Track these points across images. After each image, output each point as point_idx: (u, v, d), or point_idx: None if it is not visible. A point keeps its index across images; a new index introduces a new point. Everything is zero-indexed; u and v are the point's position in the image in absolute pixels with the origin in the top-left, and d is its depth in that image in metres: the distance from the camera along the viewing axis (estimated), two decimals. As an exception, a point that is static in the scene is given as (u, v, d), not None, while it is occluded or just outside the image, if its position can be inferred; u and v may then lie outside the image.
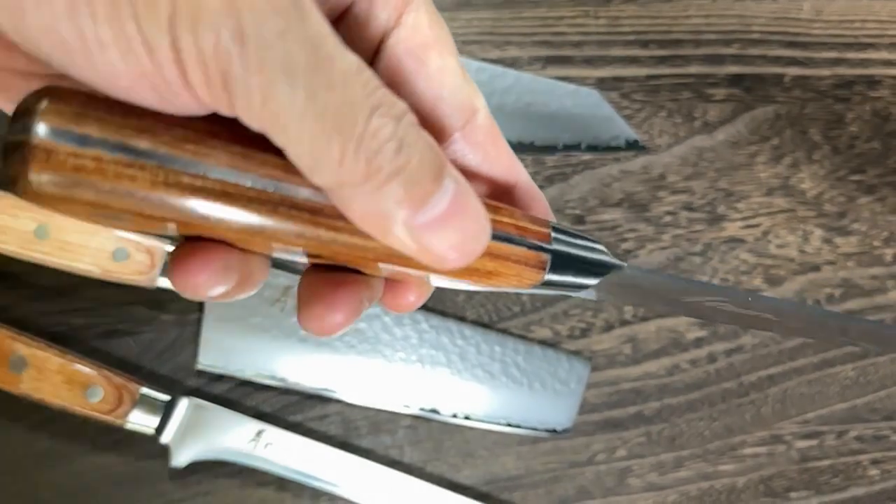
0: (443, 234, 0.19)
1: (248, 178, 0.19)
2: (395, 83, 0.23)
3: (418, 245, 0.19)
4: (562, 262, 0.23)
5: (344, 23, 0.22)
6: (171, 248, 0.48)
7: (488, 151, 0.25)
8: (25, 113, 0.17)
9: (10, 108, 0.20)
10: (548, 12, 0.54)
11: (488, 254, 0.22)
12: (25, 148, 0.17)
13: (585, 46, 0.54)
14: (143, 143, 0.18)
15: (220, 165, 0.19)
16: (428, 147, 0.19)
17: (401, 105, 0.19)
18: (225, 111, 0.18)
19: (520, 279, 0.23)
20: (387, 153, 0.18)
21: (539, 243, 0.23)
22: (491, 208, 0.22)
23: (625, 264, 0.25)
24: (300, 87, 0.17)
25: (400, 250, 0.20)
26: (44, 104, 0.17)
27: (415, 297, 0.24)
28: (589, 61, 0.54)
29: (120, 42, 0.16)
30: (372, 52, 0.23)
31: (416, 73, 0.23)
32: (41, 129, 0.17)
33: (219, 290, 0.20)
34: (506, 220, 0.23)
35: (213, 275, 0.20)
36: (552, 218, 0.26)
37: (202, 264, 0.20)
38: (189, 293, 0.20)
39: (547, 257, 0.23)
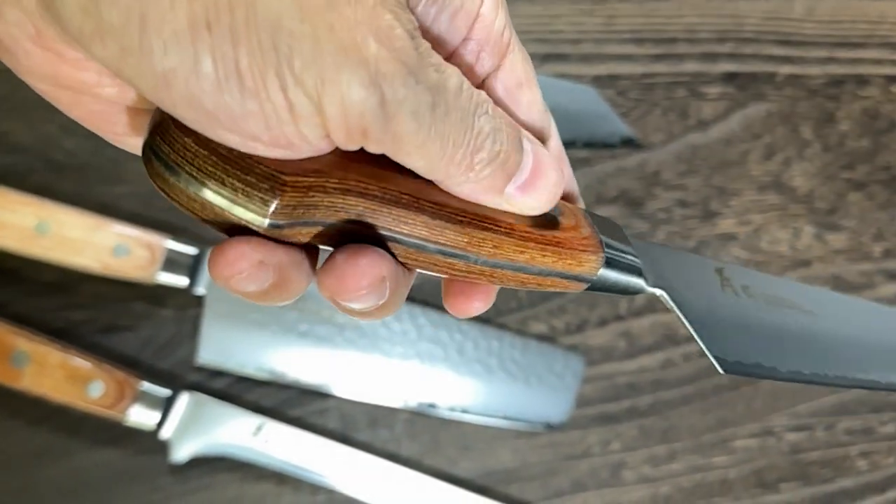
0: (532, 193, 0.23)
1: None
2: None
3: (516, 203, 0.23)
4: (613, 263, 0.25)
5: (451, 60, 0.24)
6: (171, 243, 0.48)
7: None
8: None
9: (120, 140, 0.23)
10: (545, 10, 0.55)
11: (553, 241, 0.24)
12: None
13: (582, 44, 0.55)
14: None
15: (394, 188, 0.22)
16: (508, 124, 0.22)
17: (482, 95, 0.21)
18: (353, 149, 0.20)
19: (581, 263, 0.25)
20: (487, 146, 0.21)
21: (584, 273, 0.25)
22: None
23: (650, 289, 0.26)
24: (425, 124, 0.20)
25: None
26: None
27: (480, 303, 0.26)
28: (585, 59, 0.55)
29: (266, 111, 0.18)
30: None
31: (511, 108, 0.25)
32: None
33: (251, 286, 0.21)
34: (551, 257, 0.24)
35: (250, 269, 0.21)
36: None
37: (240, 257, 0.21)
38: (222, 283, 0.21)
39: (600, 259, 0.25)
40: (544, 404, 0.52)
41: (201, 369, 0.50)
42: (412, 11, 0.21)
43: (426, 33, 0.22)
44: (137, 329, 0.50)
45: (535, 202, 0.23)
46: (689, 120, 0.55)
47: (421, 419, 0.52)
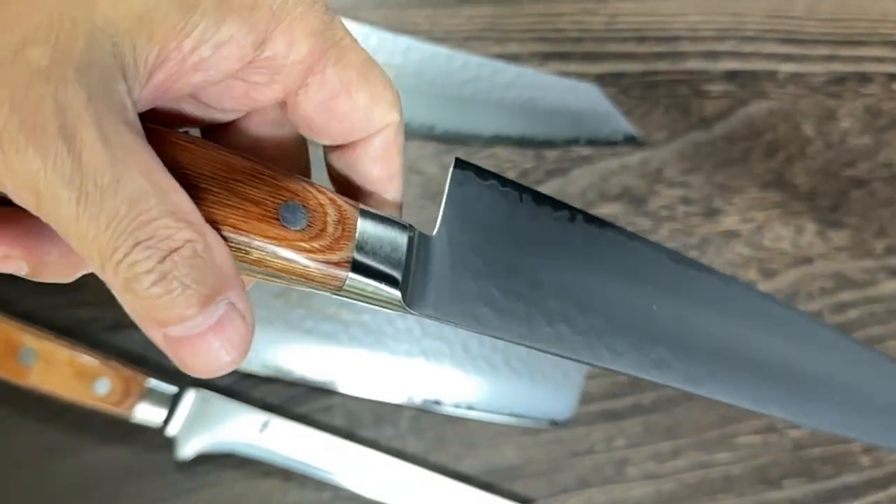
0: (190, 351, 0.21)
1: None
2: (310, 130, 0.25)
3: (165, 347, 0.21)
4: (364, 271, 0.24)
5: (256, 71, 0.23)
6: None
7: (376, 165, 0.26)
8: None
9: None
10: (547, 9, 0.55)
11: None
12: None
13: (584, 43, 0.55)
14: None
15: None
16: (202, 276, 0.20)
17: (182, 236, 0.20)
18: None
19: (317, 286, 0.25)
20: (143, 282, 0.19)
21: (328, 288, 0.24)
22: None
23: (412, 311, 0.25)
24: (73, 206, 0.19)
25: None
26: None
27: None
28: (588, 57, 0.55)
29: None
30: (284, 107, 0.25)
31: (326, 120, 0.24)
32: None
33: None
34: (297, 276, 0.24)
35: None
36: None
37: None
38: None
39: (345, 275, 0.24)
40: (549, 401, 0.53)
41: (207, 366, 0.50)
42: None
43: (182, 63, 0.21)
44: (144, 326, 0.50)
45: (193, 360, 0.21)
46: (692, 118, 0.56)
47: (426, 416, 0.52)
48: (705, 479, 0.55)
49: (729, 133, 0.56)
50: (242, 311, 0.21)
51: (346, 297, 0.25)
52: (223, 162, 0.23)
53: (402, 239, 0.25)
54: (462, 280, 0.26)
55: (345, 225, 0.24)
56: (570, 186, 0.54)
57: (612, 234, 0.29)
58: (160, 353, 0.51)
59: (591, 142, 0.54)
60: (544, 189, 0.54)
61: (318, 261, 0.24)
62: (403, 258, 0.25)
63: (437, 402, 0.52)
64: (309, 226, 0.24)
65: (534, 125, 0.54)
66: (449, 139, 0.53)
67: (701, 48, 0.56)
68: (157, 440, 0.48)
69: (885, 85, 0.58)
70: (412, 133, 0.53)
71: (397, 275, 0.24)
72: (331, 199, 0.24)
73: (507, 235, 0.27)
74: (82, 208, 0.19)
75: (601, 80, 0.55)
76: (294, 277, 0.24)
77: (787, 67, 0.57)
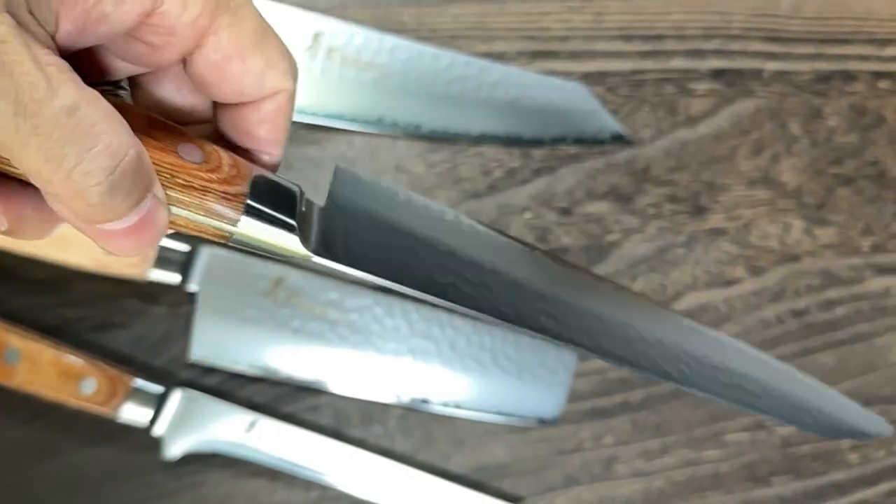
0: (121, 240, 0.23)
1: None
2: (203, 88, 0.26)
3: (97, 239, 0.23)
4: (246, 238, 0.26)
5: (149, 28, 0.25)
6: (163, 240, 0.48)
7: (263, 127, 0.27)
8: None
9: None
10: (533, 7, 0.55)
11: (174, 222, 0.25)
12: None
13: (571, 41, 0.55)
14: None
15: None
16: (139, 180, 0.22)
17: (124, 143, 0.22)
18: None
19: (206, 235, 0.26)
20: (94, 192, 0.21)
21: (221, 226, 0.25)
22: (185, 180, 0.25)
23: (311, 255, 0.26)
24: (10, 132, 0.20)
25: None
26: None
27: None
28: (574, 56, 0.55)
29: None
30: (180, 63, 0.26)
31: (219, 80, 0.26)
32: None
33: None
34: (192, 200, 0.25)
35: None
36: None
37: None
38: None
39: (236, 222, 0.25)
40: (537, 399, 0.53)
41: (194, 366, 0.50)
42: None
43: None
44: (130, 326, 0.50)
45: (122, 246, 0.24)
46: (678, 116, 0.56)
47: (414, 415, 0.52)
48: (694, 477, 0.55)
49: (715, 131, 0.56)
50: (162, 198, 0.24)
51: (242, 242, 0.26)
52: (122, 105, 0.24)
53: (294, 190, 0.26)
54: (360, 233, 0.28)
55: (239, 168, 0.26)
56: (557, 185, 0.54)
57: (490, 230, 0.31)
58: (147, 352, 0.51)
59: (578, 140, 0.54)
60: (532, 188, 0.55)
61: (215, 191, 0.25)
62: (296, 207, 0.26)
63: (425, 401, 0.52)
64: (205, 162, 0.25)
65: (521, 124, 0.54)
66: (435, 138, 0.53)
67: (687, 46, 0.56)
68: (143, 440, 0.48)
69: (870, 83, 0.58)
70: (399, 132, 0.53)
71: (292, 221, 0.26)
72: (225, 150, 0.26)
73: (391, 209, 0.29)
74: (22, 119, 0.20)
75: (588, 78, 0.55)
76: (190, 210, 0.25)
77: (772, 66, 0.57)
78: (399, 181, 0.53)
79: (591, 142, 0.55)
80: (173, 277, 0.48)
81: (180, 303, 0.50)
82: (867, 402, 0.57)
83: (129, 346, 0.50)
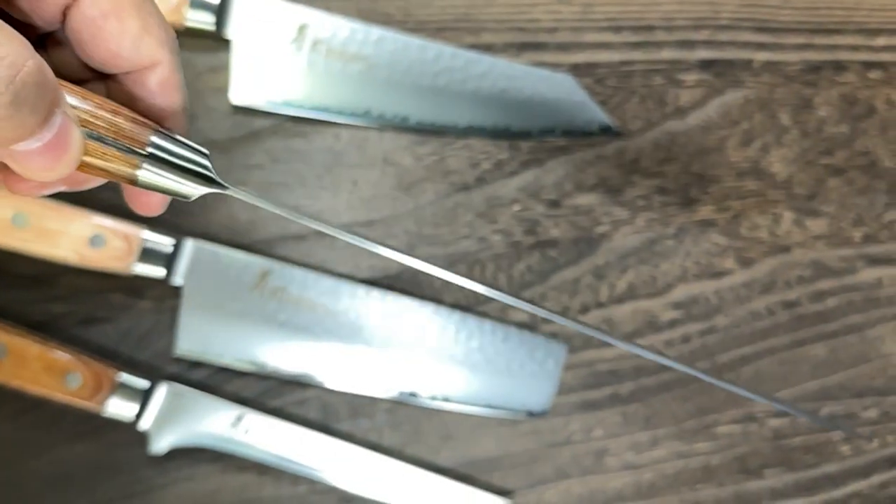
0: (38, 160, 0.24)
1: None
2: (81, 48, 0.27)
3: (15, 162, 0.24)
4: (159, 166, 0.27)
5: None
6: (147, 234, 0.48)
7: (156, 100, 0.28)
8: None
9: None
10: (521, -1, 0.55)
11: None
12: None
13: (559, 32, 0.55)
14: None
15: None
16: (44, 93, 0.23)
17: (23, 54, 0.22)
18: None
19: (111, 175, 0.26)
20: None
21: (133, 147, 0.26)
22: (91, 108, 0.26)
23: (227, 186, 0.28)
24: None
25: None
26: None
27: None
28: (563, 47, 0.55)
29: None
30: (59, 18, 0.27)
31: (95, 37, 0.27)
32: None
33: None
34: (103, 123, 0.26)
35: None
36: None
37: None
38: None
39: (139, 161, 0.26)
40: (526, 392, 0.52)
41: (180, 360, 0.50)
42: None
43: None
44: (116, 321, 0.50)
45: (40, 167, 0.24)
46: (667, 107, 0.56)
47: (402, 408, 0.52)
48: (685, 469, 0.54)
49: (705, 122, 0.56)
50: (72, 116, 0.24)
51: (152, 171, 0.26)
52: None
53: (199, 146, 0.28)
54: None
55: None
56: (546, 177, 0.54)
57: None
58: (133, 347, 0.51)
59: (567, 132, 0.54)
60: (520, 180, 0.54)
61: (126, 114, 0.26)
62: (206, 151, 0.27)
63: (414, 395, 0.51)
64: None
65: (509, 116, 0.53)
66: (423, 130, 0.53)
67: (676, 37, 0.56)
68: (130, 436, 0.48)
69: (860, 73, 0.58)
70: (386, 124, 0.52)
71: (204, 150, 0.27)
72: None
73: None
74: None
75: (576, 70, 0.55)
76: (101, 131, 0.25)
77: (762, 56, 0.57)
78: (387, 174, 0.53)
79: (580, 133, 0.54)
80: (158, 271, 0.48)
81: (166, 297, 0.50)
82: (859, 393, 0.57)
83: (114, 341, 0.50)
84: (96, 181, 0.29)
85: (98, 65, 0.28)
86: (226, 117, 0.52)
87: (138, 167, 0.26)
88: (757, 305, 0.56)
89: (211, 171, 0.27)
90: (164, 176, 0.27)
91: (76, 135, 0.24)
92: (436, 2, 0.54)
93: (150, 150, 0.26)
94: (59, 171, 0.24)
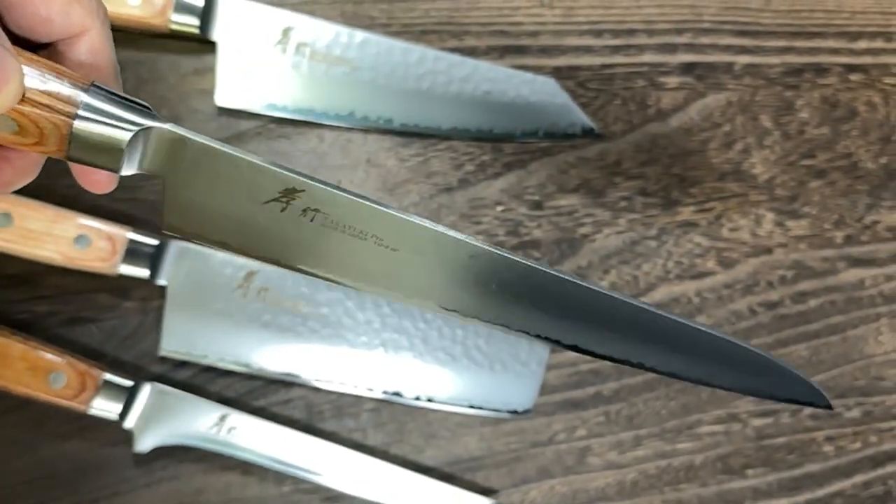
0: None
1: None
2: (11, 13, 0.27)
3: None
4: (95, 114, 0.26)
5: None
6: (132, 235, 0.48)
7: (89, 67, 0.28)
8: None
9: None
10: (504, 2, 0.56)
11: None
12: None
13: (541, 36, 0.56)
14: None
15: None
16: None
17: None
18: None
19: (49, 127, 0.26)
20: None
21: (76, 83, 0.26)
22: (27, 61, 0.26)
23: (167, 125, 0.27)
24: None
25: None
26: None
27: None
28: (545, 51, 0.55)
29: None
30: None
31: (24, 1, 0.27)
32: None
33: None
34: (39, 68, 0.26)
35: None
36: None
37: None
38: None
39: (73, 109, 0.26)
40: (509, 392, 0.53)
41: (165, 360, 0.50)
42: None
43: None
44: (101, 321, 0.50)
45: None
46: (649, 110, 0.56)
47: (386, 408, 0.52)
48: (667, 469, 0.55)
49: (686, 124, 0.56)
50: (9, 49, 0.25)
51: (83, 138, 0.26)
52: None
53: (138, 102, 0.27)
54: None
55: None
56: (528, 179, 0.55)
57: None
58: (118, 347, 0.51)
59: (549, 134, 0.55)
60: (503, 182, 0.55)
61: (57, 74, 0.26)
62: (145, 107, 0.27)
63: (398, 394, 0.52)
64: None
65: (491, 118, 0.54)
66: (407, 132, 0.53)
67: (658, 41, 0.57)
68: (114, 434, 0.48)
69: (841, 76, 0.58)
70: (370, 126, 0.53)
71: (145, 104, 0.27)
72: None
73: None
74: None
75: (558, 73, 0.55)
76: (40, 69, 0.25)
77: (743, 59, 0.57)
78: (371, 175, 0.54)
79: (562, 136, 0.55)
80: (142, 272, 0.48)
81: (151, 297, 0.50)
82: (842, 394, 0.57)
83: (100, 341, 0.50)
84: (35, 166, 0.29)
85: (28, 32, 0.28)
86: (211, 119, 0.52)
87: (78, 108, 0.26)
88: (739, 306, 0.56)
89: (149, 108, 0.27)
90: (102, 121, 0.26)
91: (14, 65, 0.24)
92: (419, 5, 0.54)
93: (93, 88, 0.26)
94: (1, 102, 0.24)
